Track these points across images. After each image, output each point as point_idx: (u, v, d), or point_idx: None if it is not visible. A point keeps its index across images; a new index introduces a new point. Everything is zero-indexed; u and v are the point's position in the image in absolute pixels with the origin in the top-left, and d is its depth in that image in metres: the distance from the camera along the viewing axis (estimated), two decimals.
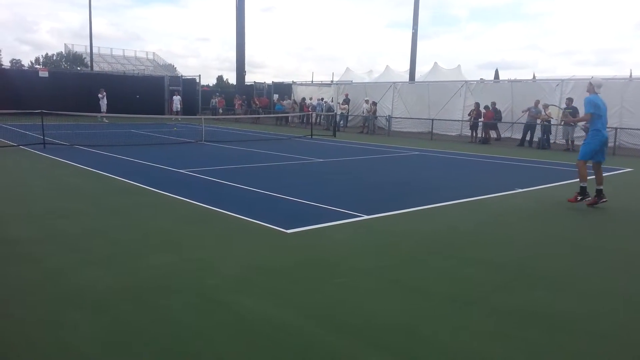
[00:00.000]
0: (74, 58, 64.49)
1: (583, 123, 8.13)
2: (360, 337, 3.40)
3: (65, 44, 70.59)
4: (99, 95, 26.73)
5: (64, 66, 60.72)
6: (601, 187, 7.88)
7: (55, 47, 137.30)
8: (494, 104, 21.31)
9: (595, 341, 3.44)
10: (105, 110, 25.78)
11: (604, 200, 7.84)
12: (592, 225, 6.92)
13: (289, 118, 30.46)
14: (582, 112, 8.29)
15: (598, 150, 7.82)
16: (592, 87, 7.87)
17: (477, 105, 21.21)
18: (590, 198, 7.84)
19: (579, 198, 7.75)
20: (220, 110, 33.34)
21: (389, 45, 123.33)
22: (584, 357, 3.22)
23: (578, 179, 7.98)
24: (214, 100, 34.50)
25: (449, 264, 5.04)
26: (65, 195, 7.92)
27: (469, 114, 21.65)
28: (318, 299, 4.02)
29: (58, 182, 8.98)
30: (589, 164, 7.90)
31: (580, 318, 3.81)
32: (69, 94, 27.87)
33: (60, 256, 4.91)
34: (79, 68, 55.68)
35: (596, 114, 7.66)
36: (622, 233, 6.58)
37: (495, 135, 21.58)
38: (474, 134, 21.16)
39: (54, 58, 65.93)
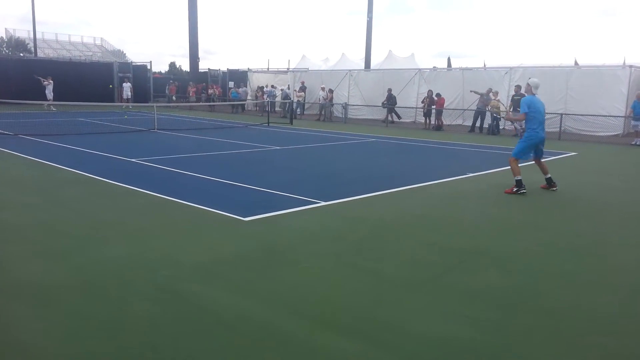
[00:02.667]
0: (16, 44, 61.25)
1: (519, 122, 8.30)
2: (318, 321, 3.45)
3: (6, 29, 66.85)
4: (45, 83, 25.48)
5: (5, 52, 57.62)
6: (549, 175, 8.21)
7: None
8: (390, 90, 23.31)
9: (542, 316, 3.62)
10: (51, 99, 24.67)
11: (555, 188, 8.14)
12: (539, 208, 7.22)
13: (245, 106, 30.10)
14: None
15: (532, 149, 8.06)
16: (530, 88, 8.05)
17: (430, 92, 21.63)
18: (521, 189, 7.87)
19: (515, 189, 7.84)
20: (174, 98, 32.52)
21: (345, 33, 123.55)
22: (533, 331, 3.38)
23: (513, 174, 7.97)
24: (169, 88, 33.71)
25: (403, 247, 5.16)
26: (9, 186, 7.58)
27: (422, 102, 22.06)
28: (276, 286, 4.04)
29: (1, 173, 8.58)
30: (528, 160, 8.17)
31: (529, 295, 4.00)
32: (11, 81, 26.50)
33: (4, 248, 4.71)
34: (21, 54, 52.96)
35: (531, 114, 7.82)
36: (567, 215, 6.90)
37: (396, 118, 23.39)
38: (428, 121, 21.60)
39: None
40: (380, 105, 23.75)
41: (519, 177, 7.85)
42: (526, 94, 8.19)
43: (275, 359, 2.96)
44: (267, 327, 3.33)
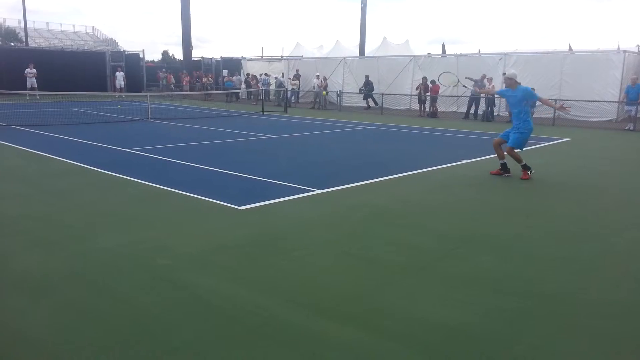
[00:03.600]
0: (6, 33, 60.56)
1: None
2: (316, 309, 3.47)
3: None
4: (28, 71, 25.14)
5: None
6: (505, 161, 8.20)
7: None
8: (367, 76, 24.24)
9: (537, 301, 3.66)
10: (34, 87, 24.43)
11: (509, 174, 8.16)
12: (534, 194, 7.26)
13: (240, 94, 29.95)
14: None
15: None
16: (513, 81, 7.96)
17: (425, 79, 21.58)
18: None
19: (529, 172, 8.01)
20: (172, 86, 32.28)
21: (339, 20, 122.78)
22: (528, 315, 3.42)
23: (517, 162, 8.09)
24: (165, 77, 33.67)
25: (398, 234, 5.18)
26: (3, 177, 7.54)
27: (417, 88, 22.02)
28: (273, 274, 4.06)
29: None
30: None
31: (524, 280, 4.04)
32: (2, 71, 26.26)
33: (0, 240, 4.70)
34: (12, 44, 52.35)
35: (526, 106, 7.99)
36: (562, 200, 6.94)
37: (373, 104, 24.32)
38: (422, 108, 21.59)
39: None
40: (358, 91, 24.77)
41: (524, 162, 8.04)
42: (507, 87, 8.14)
43: (273, 346, 2.98)
44: (264, 315, 3.35)
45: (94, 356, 2.83)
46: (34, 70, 25.25)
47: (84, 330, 3.10)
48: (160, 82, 33.61)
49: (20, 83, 23.69)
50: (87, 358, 2.81)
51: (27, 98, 24.46)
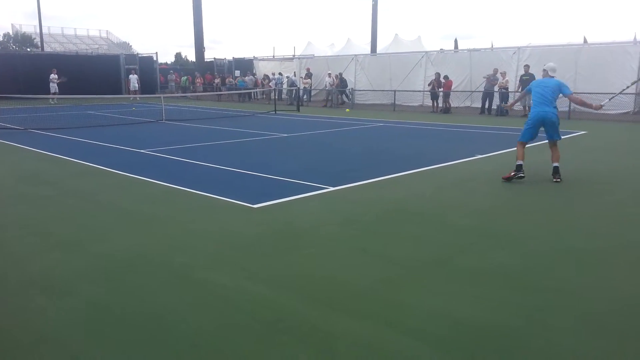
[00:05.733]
0: (22, 39, 61.53)
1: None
2: (332, 305, 3.49)
3: (12, 24, 67.23)
4: (53, 77, 25.57)
5: (12, 47, 57.87)
6: (556, 164, 7.49)
7: (1, 27, 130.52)
8: (340, 73, 25.49)
9: (553, 296, 3.64)
10: (56, 92, 24.81)
11: (557, 180, 7.39)
12: (550, 189, 7.19)
13: (253, 94, 30.08)
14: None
15: (533, 129, 7.53)
16: (546, 72, 8.04)
17: (438, 75, 21.47)
18: (518, 173, 7.47)
19: (512, 173, 7.47)
20: (192, 87, 32.54)
21: (350, 18, 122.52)
22: (544, 311, 3.41)
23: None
24: (185, 78, 34.15)
25: (413, 230, 5.18)
26: (23, 180, 7.68)
27: (429, 84, 21.92)
28: (288, 271, 4.09)
29: (14, 168, 8.69)
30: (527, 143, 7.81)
31: (540, 275, 4.01)
32: (19, 76, 26.69)
33: (22, 241, 4.80)
34: (28, 49, 53.17)
35: (532, 92, 7.70)
36: (578, 195, 6.87)
37: (346, 100, 25.54)
38: (435, 104, 21.48)
39: (0, 39, 62.75)
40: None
41: (519, 162, 7.47)
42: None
43: (289, 342, 3.01)
44: (281, 312, 3.38)
45: (114, 354, 2.89)
46: (57, 76, 25.62)
47: (104, 329, 3.16)
48: (174, 84, 33.91)
49: (37, 88, 24.02)
50: (107, 356, 2.87)
51: (51, 102, 24.83)
